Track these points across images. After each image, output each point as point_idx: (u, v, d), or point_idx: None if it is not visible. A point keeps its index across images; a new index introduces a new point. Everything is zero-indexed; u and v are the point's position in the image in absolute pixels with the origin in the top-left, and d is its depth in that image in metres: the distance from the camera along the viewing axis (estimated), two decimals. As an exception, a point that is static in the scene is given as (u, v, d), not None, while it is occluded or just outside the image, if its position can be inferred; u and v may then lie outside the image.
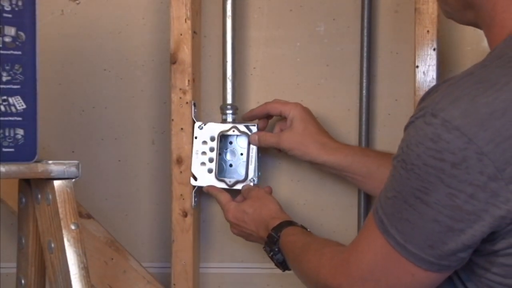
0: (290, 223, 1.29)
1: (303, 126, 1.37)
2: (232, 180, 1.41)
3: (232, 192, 1.41)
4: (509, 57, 0.94)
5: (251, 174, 1.41)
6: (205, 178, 1.42)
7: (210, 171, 1.42)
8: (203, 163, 1.42)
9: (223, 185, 1.41)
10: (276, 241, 1.27)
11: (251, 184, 1.41)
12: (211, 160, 1.41)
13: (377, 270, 0.98)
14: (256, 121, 1.43)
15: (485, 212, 0.89)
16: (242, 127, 1.41)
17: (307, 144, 1.36)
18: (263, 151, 1.45)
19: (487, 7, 1.00)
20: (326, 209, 1.41)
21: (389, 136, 1.46)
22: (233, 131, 1.42)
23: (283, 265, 1.28)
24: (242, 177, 1.42)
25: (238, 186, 1.41)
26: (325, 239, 1.22)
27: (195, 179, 1.42)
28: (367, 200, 1.45)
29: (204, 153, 1.42)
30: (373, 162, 1.33)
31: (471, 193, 0.89)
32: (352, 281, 1.00)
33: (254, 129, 1.41)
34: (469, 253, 0.94)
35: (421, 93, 1.37)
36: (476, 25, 1.05)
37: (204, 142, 1.41)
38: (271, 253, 1.27)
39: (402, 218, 0.94)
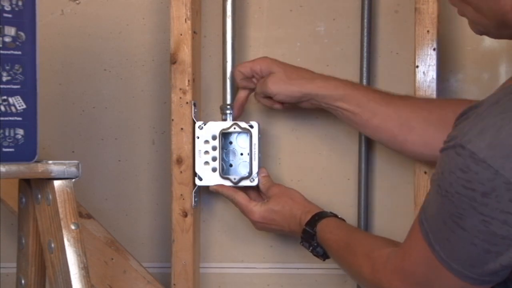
0: (321, 214, 1.32)
1: (283, 67, 1.37)
2: (237, 177, 1.41)
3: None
4: None
5: (255, 170, 1.41)
6: (210, 177, 1.42)
7: (214, 170, 1.42)
8: (206, 163, 1.42)
9: (228, 183, 1.41)
10: (313, 236, 1.29)
11: (251, 183, 1.41)
12: (214, 159, 1.41)
13: (431, 280, 1.02)
14: (257, 119, 1.43)
15: None
16: (243, 124, 1.41)
17: (295, 80, 1.35)
18: (263, 151, 1.45)
19: None
20: (326, 209, 1.41)
21: (389, 136, 1.46)
22: (234, 128, 1.42)
23: (324, 256, 1.31)
24: (246, 175, 1.42)
25: (243, 183, 1.41)
26: (366, 237, 1.25)
27: (200, 179, 1.42)
28: (367, 200, 1.45)
29: (206, 152, 1.42)
30: (363, 95, 1.33)
31: (504, 220, 0.92)
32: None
33: (255, 125, 1.41)
34: (509, 270, 0.97)
35: (421, 93, 1.37)
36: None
37: (206, 142, 1.41)
38: (311, 248, 1.31)
39: (443, 237, 0.98)
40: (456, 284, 0.99)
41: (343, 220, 1.34)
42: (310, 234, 1.30)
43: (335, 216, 1.34)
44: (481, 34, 1.07)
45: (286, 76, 1.36)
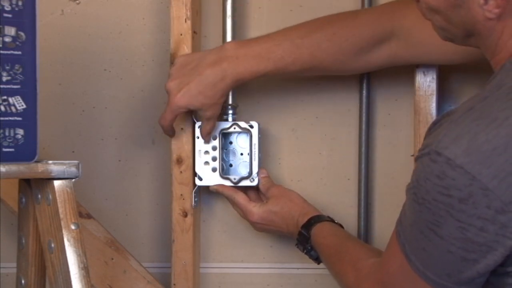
0: (318, 217, 1.32)
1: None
2: (237, 177, 1.41)
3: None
4: (508, 88, 0.95)
5: (255, 169, 1.41)
6: (210, 177, 1.42)
7: (214, 169, 1.42)
8: (206, 163, 1.42)
9: (228, 183, 1.41)
10: (307, 240, 1.30)
11: (251, 183, 1.41)
12: (214, 159, 1.41)
13: None
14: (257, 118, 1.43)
15: (496, 243, 0.92)
16: (243, 124, 1.41)
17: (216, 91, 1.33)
18: (263, 151, 1.45)
19: (493, 36, 1.00)
20: (326, 209, 1.41)
21: (389, 136, 1.46)
22: (234, 128, 1.42)
23: (318, 260, 1.32)
24: (246, 175, 1.42)
25: (243, 183, 1.41)
26: (356, 246, 1.24)
27: (200, 179, 1.42)
28: (367, 200, 1.45)
29: (206, 152, 1.42)
30: (307, 48, 1.32)
31: (481, 226, 0.92)
32: None
33: (255, 125, 1.41)
34: (485, 278, 0.97)
35: (421, 93, 1.37)
36: (477, 47, 1.05)
37: (206, 141, 1.41)
38: (305, 251, 1.32)
39: (419, 247, 0.98)
40: None
41: (340, 225, 1.34)
42: (305, 237, 1.31)
43: (332, 220, 1.34)
44: (446, 40, 1.07)
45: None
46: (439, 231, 0.94)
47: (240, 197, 1.39)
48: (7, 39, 1.01)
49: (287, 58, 1.31)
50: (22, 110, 1.02)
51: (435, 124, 0.99)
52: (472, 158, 0.91)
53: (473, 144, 0.91)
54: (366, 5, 1.43)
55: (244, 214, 1.39)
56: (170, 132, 1.39)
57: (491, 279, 0.98)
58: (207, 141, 1.40)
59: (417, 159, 0.97)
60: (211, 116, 1.36)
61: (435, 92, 1.37)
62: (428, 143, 0.95)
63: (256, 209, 1.37)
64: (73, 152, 1.50)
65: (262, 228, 1.39)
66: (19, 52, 1.02)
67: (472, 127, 0.92)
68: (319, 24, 1.33)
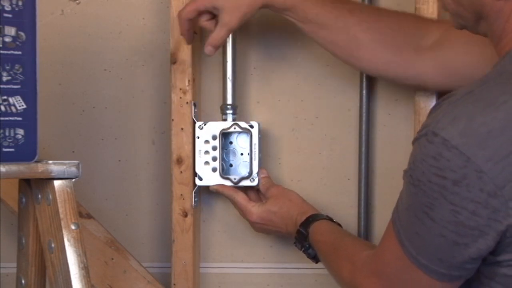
0: (316, 216, 1.32)
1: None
2: (237, 177, 1.42)
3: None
4: (509, 74, 0.95)
5: (255, 170, 1.41)
6: (210, 177, 1.42)
7: (214, 169, 1.42)
8: (206, 163, 1.42)
9: (228, 183, 1.42)
10: (305, 237, 1.30)
11: (251, 183, 1.41)
12: (214, 159, 1.41)
13: (403, 280, 1.02)
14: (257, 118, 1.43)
15: (488, 227, 0.92)
16: (243, 124, 1.41)
17: None
18: (263, 151, 1.45)
19: (500, 18, 1.00)
20: (326, 209, 1.41)
21: (389, 136, 1.46)
22: (234, 128, 1.42)
23: (315, 258, 1.31)
24: (246, 175, 1.42)
25: (243, 183, 1.41)
26: (353, 242, 1.25)
27: (200, 179, 1.42)
28: (367, 200, 1.45)
29: (207, 152, 1.42)
30: (312, 7, 1.31)
31: (473, 210, 0.92)
32: None
33: (255, 125, 1.41)
34: (477, 264, 0.97)
35: (421, 93, 1.37)
36: (487, 36, 1.05)
37: (206, 142, 1.41)
38: (303, 249, 1.32)
39: (413, 232, 0.98)
40: (424, 284, 0.99)
41: (339, 224, 1.34)
42: (303, 235, 1.31)
43: (331, 219, 1.34)
44: (461, 28, 1.08)
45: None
46: (432, 214, 0.94)
47: (240, 197, 1.39)
48: (7, 39, 1.01)
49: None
50: (22, 110, 1.02)
51: (435, 107, 0.99)
52: (468, 140, 0.91)
53: (469, 126, 0.91)
54: (366, 5, 1.43)
55: (243, 214, 1.39)
56: (185, 32, 1.33)
57: (482, 268, 0.98)
58: (209, 51, 1.32)
59: (415, 141, 0.97)
60: (227, 23, 1.29)
61: (435, 92, 1.36)
62: (427, 124, 0.95)
63: (255, 209, 1.37)
64: (73, 152, 1.50)
65: (261, 228, 1.39)
66: (19, 52, 1.02)
67: (470, 109, 0.92)
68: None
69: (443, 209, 0.93)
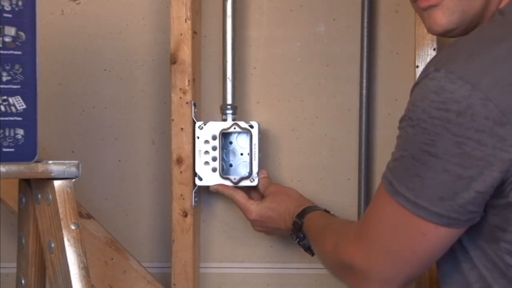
0: (312, 208, 1.32)
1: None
2: (237, 177, 1.42)
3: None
4: (502, 19, 0.96)
5: (255, 170, 1.41)
6: (210, 177, 1.42)
7: (214, 169, 1.42)
8: (206, 163, 1.42)
9: (228, 183, 1.42)
10: (300, 227, 1.29)
11: (251, 183, 1.41)
12: (214, 159, 1.41)
13: (388, 238, 0.99)
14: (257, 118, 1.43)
15: (493, 156, 0.90)
16: (243, 124, 1.41)
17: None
18: (263, 151, 1.45)
19: None
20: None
21: (389, 136, 1.46)
22: (234, 128, 1.42)
23: (310, 250, 1.30)
24: (246, 175, 1.42)
25: (243, 183, 1.41)
26: (345, 221, 1.23)
27: (200, 179, 1.42)
28: (367, 200, 1.45)
29: (207, 152, 1.42)
30: None
31: (478, 139, 0.90)
32: (365, 254, 1.01)
33: (255, 125, 1.41)
34: (479, 207, 0.94)
35: (421, 93, 1.37)
36: (479, 15, 1.03)
37: (206, 142, 1.42)
38: (297, 240, 1.31)
39: (411, 175, 0.95)
40: (418, 232, 0.95)
41: (333, 215, 1.34)
42: (298, 225, 1.30)
43: (327, 212, 1.33)
44: (449, 27, 1.04)
45: None
46: (434, 151, 0.92)
47: (240, 196, 1.40)
48: (7, 39, 1.01)
49: None
50: (22, 110, 1.02)
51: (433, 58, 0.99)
52: (471, 68, 0.90)
53: (472, 58, 0.91)
54: (366, 6, 1.43)
55: (243, 212, 1.39)
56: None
57: (494, 220, 0.95)
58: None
59: (414, 87, 0.96)
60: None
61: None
62: (425, 68, 0.94)
63: (253, 207, 1.38)
64: (73, 152, 1.50)
65: (261, 226, 1.39)
66: (19, 52, 1.02)
67: (472, 44, 0.93)
68: None
69: (447, 143, 0.91)
